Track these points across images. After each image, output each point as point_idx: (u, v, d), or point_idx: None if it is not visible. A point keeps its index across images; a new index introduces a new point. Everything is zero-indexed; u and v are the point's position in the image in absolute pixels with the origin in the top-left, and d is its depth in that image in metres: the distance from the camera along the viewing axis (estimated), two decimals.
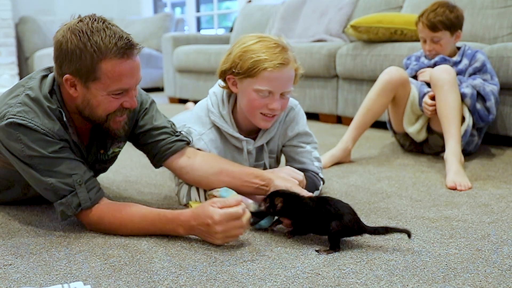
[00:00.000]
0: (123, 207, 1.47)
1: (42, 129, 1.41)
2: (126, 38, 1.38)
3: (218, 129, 1.75)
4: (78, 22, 1.38)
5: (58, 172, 1.41)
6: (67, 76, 1.40)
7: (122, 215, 1.44)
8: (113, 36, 1.36)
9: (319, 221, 1.37)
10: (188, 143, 1.67)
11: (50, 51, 5.45)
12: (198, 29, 6.91)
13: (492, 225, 1.52)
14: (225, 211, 1.32)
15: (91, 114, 1.46)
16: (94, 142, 1.59)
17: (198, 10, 6.84)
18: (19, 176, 1.58)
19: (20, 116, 1.40)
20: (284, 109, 1.71)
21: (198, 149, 1.72)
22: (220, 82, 1.74)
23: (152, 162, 1.68)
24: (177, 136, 1.65)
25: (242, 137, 1.74)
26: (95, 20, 1.38)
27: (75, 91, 1.42)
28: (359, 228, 1.36)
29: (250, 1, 5.47)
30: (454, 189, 1.89)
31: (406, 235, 1.35)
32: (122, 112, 1.48)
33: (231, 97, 1.75)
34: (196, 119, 1.77)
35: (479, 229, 1.49)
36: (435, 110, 2.24)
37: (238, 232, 1.35)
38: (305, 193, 1.50)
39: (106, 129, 1.51)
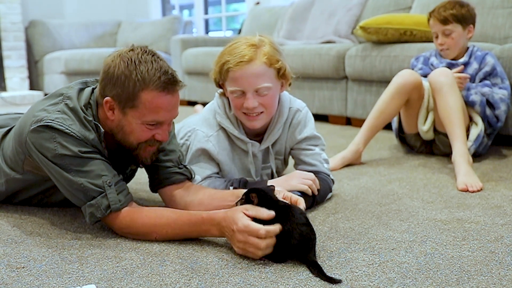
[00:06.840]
0: (157, 209, 1.48)
1: (78, 136, 1.43)
2: (170, 73, 1.43)
3: (225, 131, 1.76)
4: (129, 51, 1.44)
5: (89, 172, 1.43)
6: (107, 98, 1.44)
7: (156, 215, 1.43)
8: (159, 69, 1.41)
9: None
10: (188, 179, 1.64)
11: (59, 55, 5.49)
12: (206, 31, 6.91)
13: (505, 227, 1.51)
14: (248, 224, 1.25)
15: (123, 140, 1.49)
16: (116, 161, 1.59)
17: (206, 12, 6.84)
18: (43, 182, 1.60)
19: (58, 122, 1.43)
20: (268, 107, 1.67)
21: (206, 150, 1.72)
22: (220, 90, 1.76)
23: (150, 184, 1.67)
24: (180, 168, 1.63)
25: (247, 139, 1.75)
26: (145, 52, 1.43)
27: (112, 114, 1.46)
28: (302, 257, 1.27)
29: (258, 3, 5.47)
30: (466, 190, 1.88)
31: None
32: (153, 143, 1.50)
33: None
34: (204, 121, 1.78)
35: (492, 231, 1.48)
36: None
37: (254, 252, 1.26)
38: (285, 197, 1.44)
39: (135, 156, 1.52)
